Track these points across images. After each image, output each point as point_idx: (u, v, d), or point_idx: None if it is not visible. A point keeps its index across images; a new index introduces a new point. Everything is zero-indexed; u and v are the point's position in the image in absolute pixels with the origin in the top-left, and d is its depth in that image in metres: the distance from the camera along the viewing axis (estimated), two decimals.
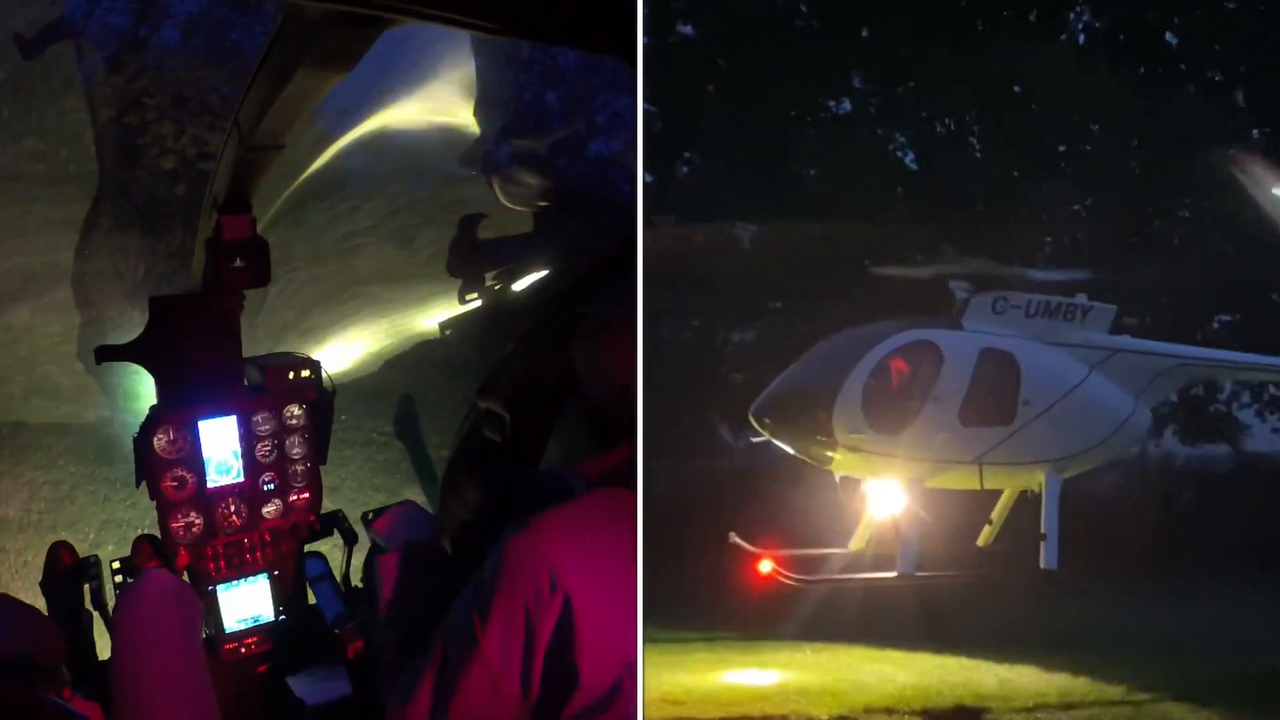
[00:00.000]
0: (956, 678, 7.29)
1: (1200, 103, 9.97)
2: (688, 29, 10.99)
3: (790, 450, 6.12)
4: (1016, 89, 10.25)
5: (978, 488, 6.26)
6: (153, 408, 5.23)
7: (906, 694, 6.89)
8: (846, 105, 10.71)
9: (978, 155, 10.24)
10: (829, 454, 6.04)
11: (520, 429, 5.19)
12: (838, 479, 6.23)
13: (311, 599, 5.33)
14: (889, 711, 6.75)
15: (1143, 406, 6.46)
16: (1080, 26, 10.74)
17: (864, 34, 10.49)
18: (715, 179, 10.44)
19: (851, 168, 9.25)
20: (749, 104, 10.12)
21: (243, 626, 5.38)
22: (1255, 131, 9.96)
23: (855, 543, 6.50)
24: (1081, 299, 6.34)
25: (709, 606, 8.35)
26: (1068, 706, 6.76)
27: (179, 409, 5.18)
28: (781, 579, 6.34)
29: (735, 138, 10.20)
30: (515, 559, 2.96)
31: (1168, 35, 10.56)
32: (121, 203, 12.31)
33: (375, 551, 4.38)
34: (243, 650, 5.35)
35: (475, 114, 14.96)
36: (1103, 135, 10.05)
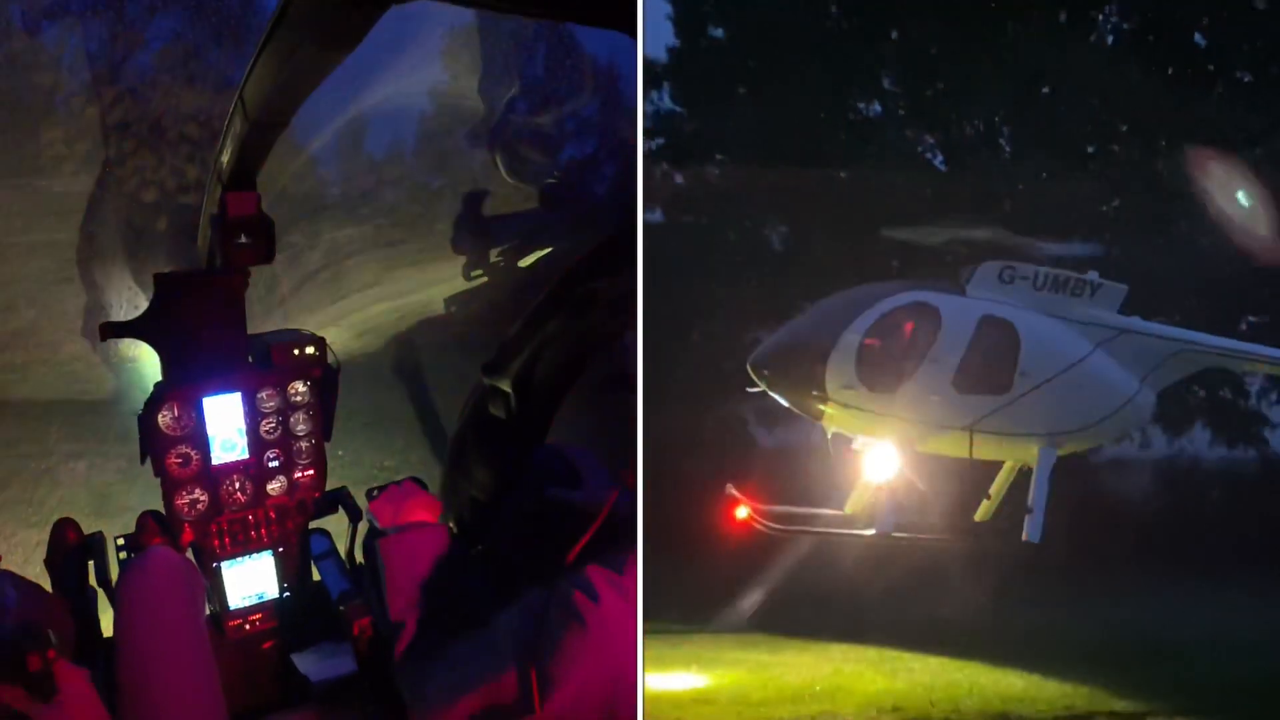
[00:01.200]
0: (985, 679, 7.39)
1: (1229, 103, 9.94)
2: (718, 31, 11.00)
3: (784, 402, 6.10)
4: (1045, 90, 10.21)
5: (969, 455, 6.23)
6: (157, 385, 5.23)
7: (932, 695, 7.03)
8: (876, 107, 10.69)
9: (1007, 156, 10.21)
10: (821, 408, 6.02)
11: (526, 406, 5.20)
12: (829, 435, 6.21)
13: (316, 576, 5.34)
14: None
15: (1148, 390, 6.40)
16: (1109, 27, 10.69)
17: (893, 35, 10.45)
18: (745, 180, 10.41)
19: (880, 168, 9.21)
20: (779, 106, 10.07)
21: (247, 603, 5.39)
22: None
23: (850, 505, 6.48)
24: (1093, 275, 6.29)
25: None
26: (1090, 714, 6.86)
27: (183, 386, 5.18)
28: (756, 525, 6.33)
29: (765, 139, 10.16)
30: (603, 632, 2.83)
31: (1196, 36, 10.52)
32: (102, 234, 12.35)
33: (373, 534, 4.39)
34: (248, 627, 5.37)
35: (480, 89, 14.93)
36: (1131, 136, 10.01)
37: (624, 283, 4.83)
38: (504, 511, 4.57)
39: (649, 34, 10.44)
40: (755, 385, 6.10)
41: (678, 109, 11.09)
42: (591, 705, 2.76)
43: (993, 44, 9.94)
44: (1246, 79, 10.40)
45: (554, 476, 4.17)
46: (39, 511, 10.54)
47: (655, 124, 11.23)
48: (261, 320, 5.65)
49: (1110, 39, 10.65)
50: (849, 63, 10.24)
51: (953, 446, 6.20)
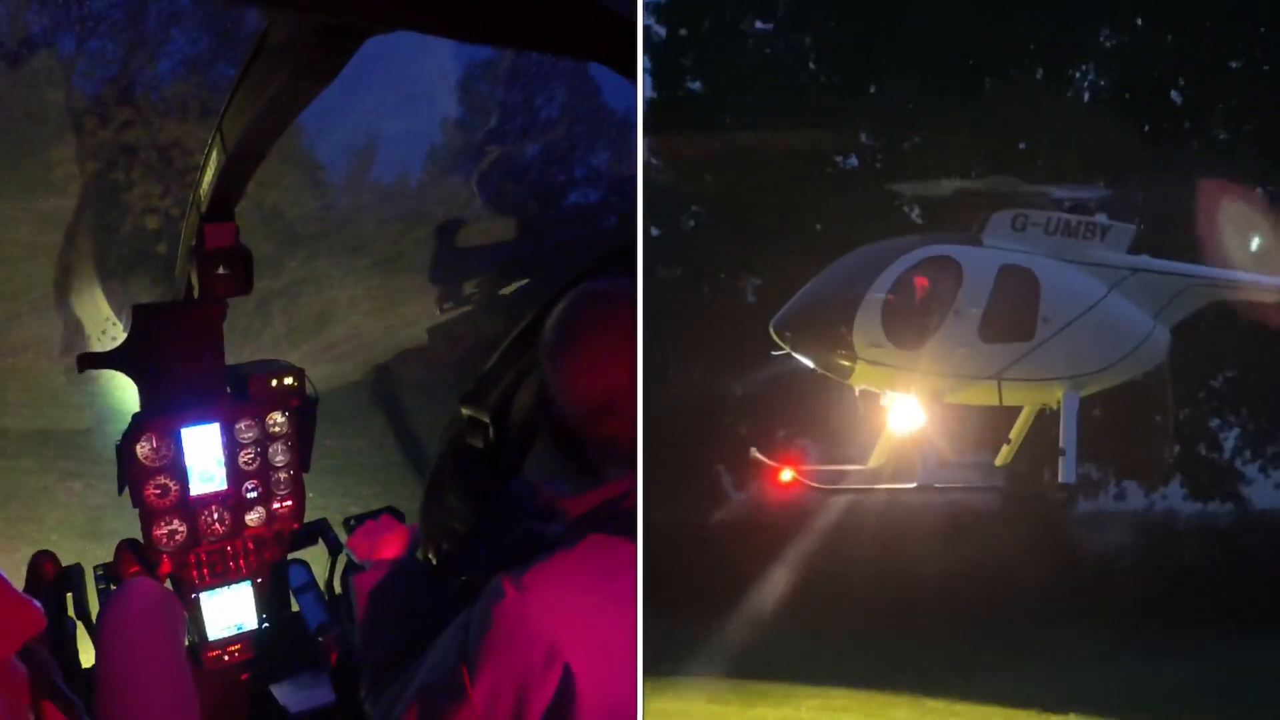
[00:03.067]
0: None
1: (1204, 159, 10.06)
2: (695, 84, 11.14)
3: (810, 364, 6.08)
4: (1022, 145, 10.33)
5: (997, 403, 6.25)
6: (135, 415, 5.22)
7: None
8: (854, 160, 10.78)
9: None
10: (849, 366, 6.00)
11: (503, 436, 5.20)
12: (857, 393, 6.20)
13: (295, 607, 5.33)
14: None
15: (1162, 326, 6.43)
16: (1086, 84, 10.82)
17: (871, 89, 10.55)
18: (720, 233, 10.49)
19: (857, 222, 9.27)
20: (756, 159, 10.14)
21: (226, 634, 5.38)
22: (1260, 189, 10.06)
23: (874, 459, 6.48)
24: (1101, 218, 6.33)
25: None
26: None
27: (162, 416, 5.18)
28: (805, 484, 6.32)
29: (741, 192, 10.23)
30: (506, 626, 2.82)
31: (1173, 93, 10.66)
32: (107, 254, 12.38)
33: (351, 569, 4.38)
34: (226, 658, 5.35)
35: (458, 120, 15.01)
36: (1108, 191, 10.17)
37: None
38: (482, 545, 4.57)
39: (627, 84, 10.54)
40: (780, 349, 6.09)
41: (654, 161, 11.15)
42: (511, 691, 2.78)
43: (970, 99, 10.04)
44: (1221, 136, 10.51)
45: (529, 511, 4.17)
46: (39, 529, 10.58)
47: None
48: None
49: (1087, 95, 10.77)
50: (826, 116, 10.31)
51: (981, 396, 6.22)
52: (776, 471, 6.34)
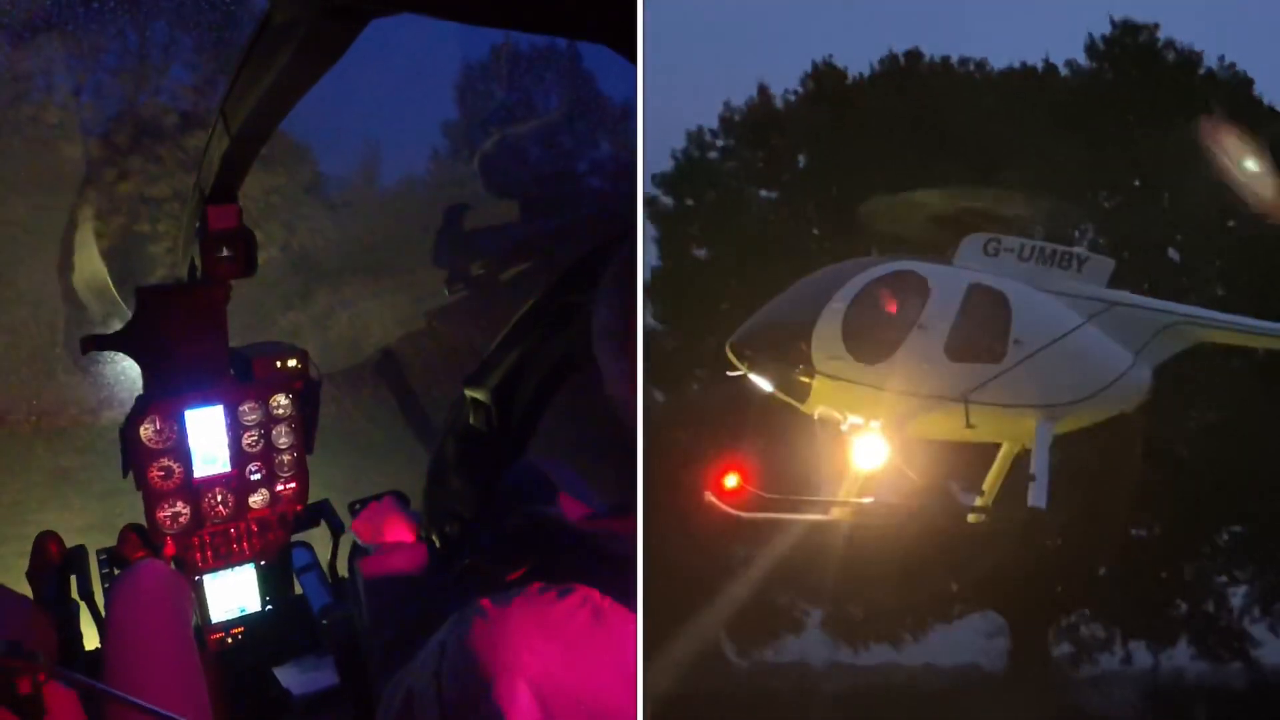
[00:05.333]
0: None
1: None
2: (701, 252, 11.28)
3: (768, 386, 5.92)
4: None
5: (964, 428, 6.06)
6: (139, 397, 5.22)
7: None
8: None
9: None
10: (806, 383, 5.82)
11: (507, 419, 5.20)
12: (816, 418, 6.03)
13: (298, 589, 5.33)
14: None
15: (1142, 364, 6.30)
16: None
17: (871, 253, 10.63)
18: (726, 395, 10.53)
19: None
20: None
21: (229, 617, 5.39)
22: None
23: (842, 495, 6.35)
24: (1080, 249, 6.20)
25: None
26: None
27: (166, 399, 5.18)
28: (750, 494, 6.09)
29: None
30: (477, 650, 2.66)
31: (1170, 251, 10.77)
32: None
33: (356, 553, 4.38)
34: (229, 640, 5.36)
35: (462, 103, 15.02)
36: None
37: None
38: (485, 527, 4.57)
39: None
40: (735, 369, 5.93)
41: (660, 326, 11.27)
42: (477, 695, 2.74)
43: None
44: (1220, 293, 10.55)
45: (531, 492, 4.16)
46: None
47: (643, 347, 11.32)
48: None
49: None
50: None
51: (947, 423, 5.99)
52: (721, 476, 6.14)
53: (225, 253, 5.18)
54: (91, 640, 4.54)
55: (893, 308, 5.84)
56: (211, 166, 4.82)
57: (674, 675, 8.74)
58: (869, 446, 5.93)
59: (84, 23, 12.21)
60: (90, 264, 12.08)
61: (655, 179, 11.40)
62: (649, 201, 11.48)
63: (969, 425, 5.86)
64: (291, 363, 5.53)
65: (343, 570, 5.35)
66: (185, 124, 13.02)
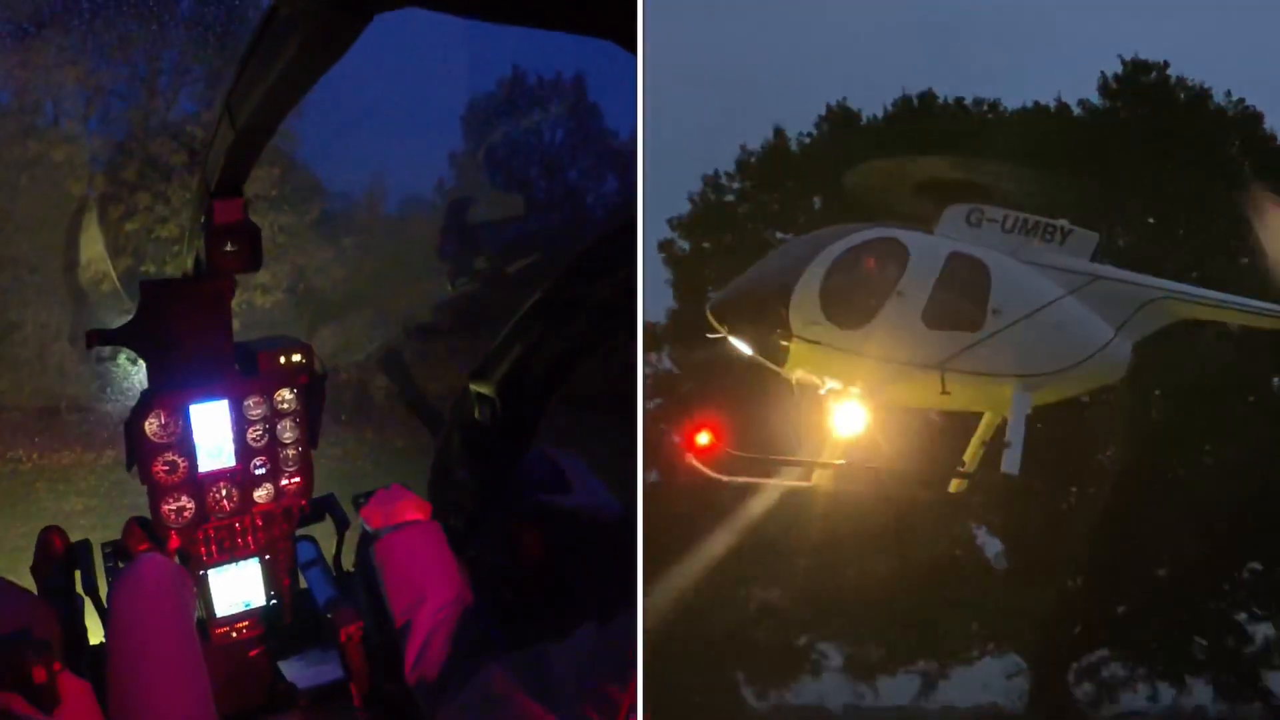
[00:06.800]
0: None
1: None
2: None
3: (746, 349, 5.86)
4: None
5: (939, 396, 5.97)
6: (144, 392, 5.22)
7: None
8: None
9: None
10: (785, 346, 5.75)
11: (511, 412, 5.20)
12: (794, 383, 5.95)
13: (303, 583, 5.33)
14: None
15: (1123, 339, 6.22)
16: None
17: None
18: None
19: None
20: None
21: (234, 611, 5.38)
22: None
23: (825, 457, 6.27)
24: (1063, 221, 6.13)
25: None
26: None
27: (170, 393, 5.17)
28: (723, 450, 6.03)
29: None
30: None
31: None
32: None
33: (366, 539, 4.38)
34: (234, 634, 5.36)
35: (468, 133, 15.09)
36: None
37: (608, 289, 4.83)
38: (491, 517, 4.57)
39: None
40: (716, 332, 5.87)
41: (675, 370, 11.43)
42: None
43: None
44: (1234, 327, 10.56)
45: (543, 482, 4.17)
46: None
47: (654, 385, 11.53)
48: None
49: None
50: None
51: (924, 390, 5.91)
52: (693, 434, 6.07)
53: (230, 247, 5.17)
54: (97, 634, 4.55)
55: (872, 273, 5.78)
56: (217, 160, 4.81)
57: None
58: (847, 412, 5.89)
59: (91, 50, 12.27)
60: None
61: (671, 222, 11.68)
62: (665, 245, 11.62)
63: (944, 392, 5.82)
64: (296, 357, 5.51)
65: (348, 564, 5.36)
66: (192, 163, 13.05)
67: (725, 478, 6.03)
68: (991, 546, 11.23)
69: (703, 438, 5.92)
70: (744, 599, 10.87)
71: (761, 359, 5.76)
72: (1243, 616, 10.82)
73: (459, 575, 3.99)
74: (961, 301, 5.83)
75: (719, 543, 9.27)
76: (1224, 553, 10.11)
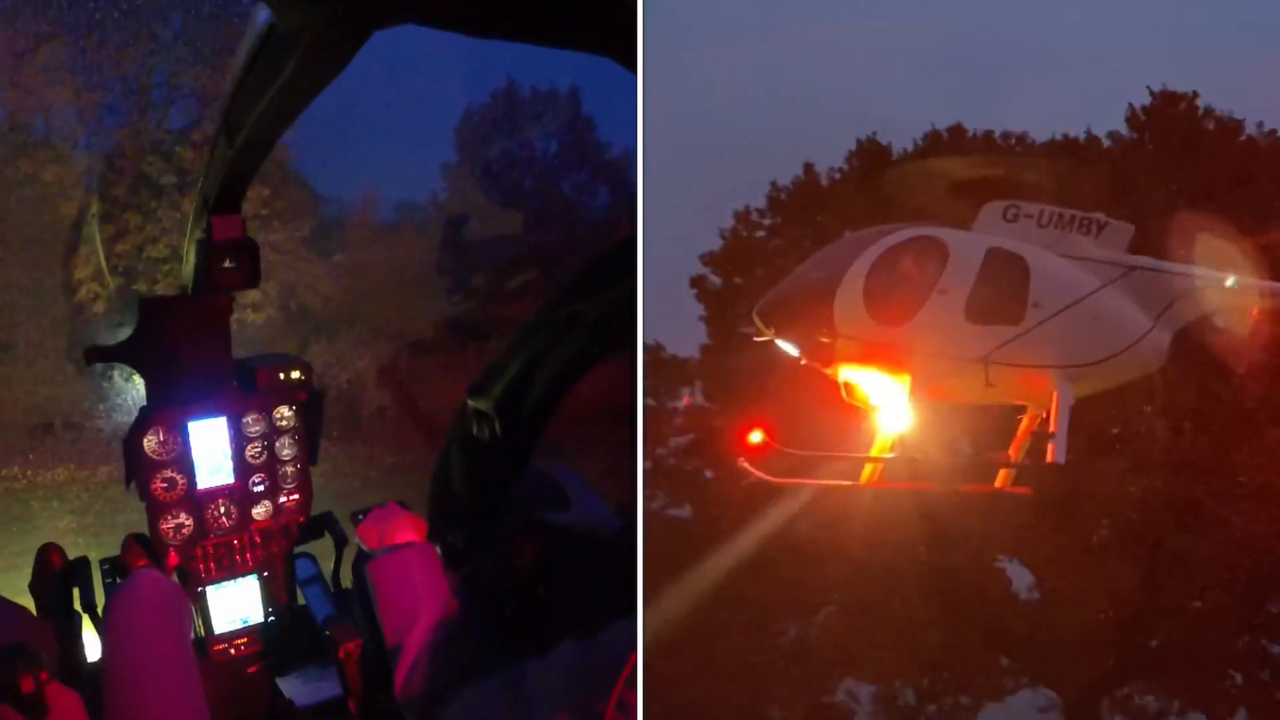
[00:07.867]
0: None
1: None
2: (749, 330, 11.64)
3: (792, 350, 5.92)
4: None
5: (985, 388, 6.01)
6: (142, 409, 5.21)
7: None
8: None
9: None
10: (829, 344, 5.81)
11: (510, 428, 5.19)
12: (841, 382, 6.01)
13: (301, 600, 5.32)
14: None
15: (1163, 328, 6.26)
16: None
17: None
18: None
19: None
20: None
21: (232, 628, 5.37)
22: None
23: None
24: (1098, 215, 6.16)
25: None
26: None
27: (169, 410, 5.17)
28: (773, 449, 6.10)
29: None
30: None
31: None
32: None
33: (362, 557, 4.37)
34: (233, 651, 5.34)
35: (462, 146, 15.13)
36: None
37: (607, 304, 4.83)
38: (491, 534, 4.55)
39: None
40: (762, 335, 5.94)
41: (709, 404, 11.47)
42: None
43: None
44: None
45: (543, 498, 4.16)
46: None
47: (687, 419, 11.66)
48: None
49: None
50: None
51: (970, 383, 5.99)
52: (746, 433, 6.15)
53: (229, 263, 5.18)
54: (94, 651, 4.53)
55: (912, 271, 5.86)
56: (215, 176, 4.82)
57: None
58: (893, 408, 5.96)
59: (82, 68, 12.30)
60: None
61: (703, 258, 11.78)
62: (696, 281, 11.66)
63: (988, 384, 5.88)
64: (295, 374, 5.52)
65: (346, 581, 5.34)
66: (183, 183, 13.10)
67: (776, 481, 6.15)
68: (1022, 578, 11.20)
69: (755, 436, 6.03)
70: (773, 633, 10.90)
71: (808, 359, 5.85)
72: (1277, 649, 10.74)
73: (452, 598, 3.98)
74: (1002, 296, 5.94)
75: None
76: (1258, 584, 10.04)
